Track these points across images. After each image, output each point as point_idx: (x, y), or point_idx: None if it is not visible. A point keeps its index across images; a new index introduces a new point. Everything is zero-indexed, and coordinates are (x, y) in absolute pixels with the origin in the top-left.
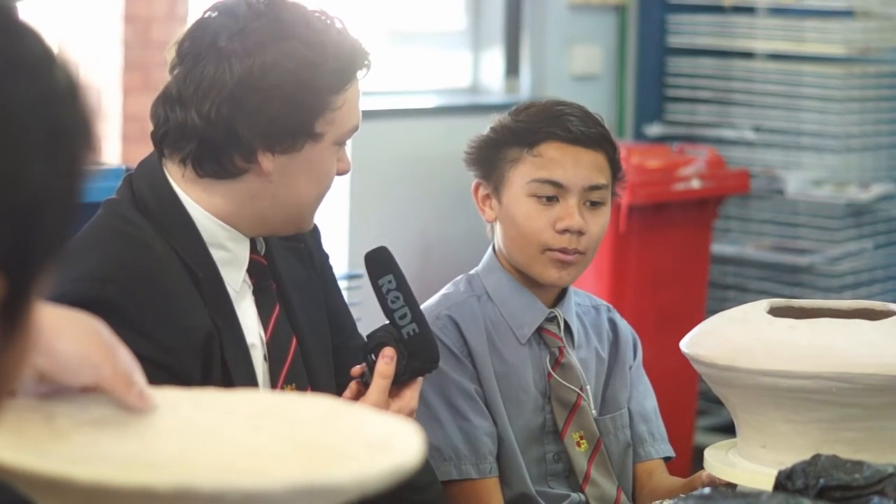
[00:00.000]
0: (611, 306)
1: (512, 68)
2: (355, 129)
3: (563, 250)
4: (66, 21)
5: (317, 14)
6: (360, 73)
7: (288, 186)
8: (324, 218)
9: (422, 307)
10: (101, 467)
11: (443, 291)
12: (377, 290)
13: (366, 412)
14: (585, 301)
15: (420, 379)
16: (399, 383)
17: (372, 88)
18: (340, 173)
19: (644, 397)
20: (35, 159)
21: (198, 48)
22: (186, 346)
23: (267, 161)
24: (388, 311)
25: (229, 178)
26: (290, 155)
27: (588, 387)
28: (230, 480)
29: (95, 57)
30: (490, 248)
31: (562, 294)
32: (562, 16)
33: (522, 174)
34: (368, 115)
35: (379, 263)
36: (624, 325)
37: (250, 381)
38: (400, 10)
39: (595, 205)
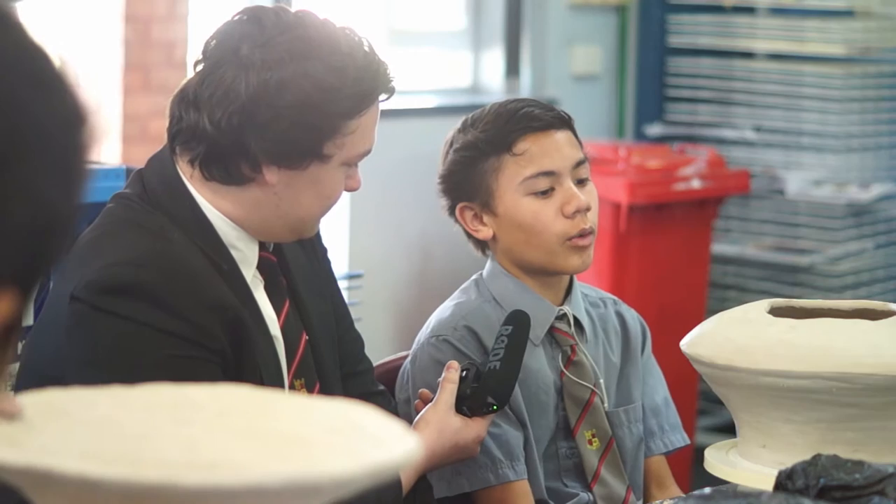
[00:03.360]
0: (617, 299)
1: (512, 68)
2: (367, 152)
3: (579, 234)
4: (66, 21)
5: (346, 32)
6: (382, 96)
7: (291, 199)
8: (324, 218)
9: (437, 320)
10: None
11: (455, 300)
12: (498, 334)
13: (293, 399)
14: (592, 293)
15: (490, 416)
16: (466, 405)
17: None
18: (350, 190)
19: (654, 390)
20: (52, 177)
21: (220, 51)
22: (218, 326)
23: (271, 174)
24: (491, 349)
25: (235, 185)
26: (295, 171)
27: (601, 381)
28: (323, 471)
29: (95, 57)
30: (490, 257)
31: (568, 290)
32: (562, 16)
33: (511, 177)
34: None
35: (514, 319)
36: (630, 316)
37: (276, 369)
38: (400, 10)
39: (582, 181)
